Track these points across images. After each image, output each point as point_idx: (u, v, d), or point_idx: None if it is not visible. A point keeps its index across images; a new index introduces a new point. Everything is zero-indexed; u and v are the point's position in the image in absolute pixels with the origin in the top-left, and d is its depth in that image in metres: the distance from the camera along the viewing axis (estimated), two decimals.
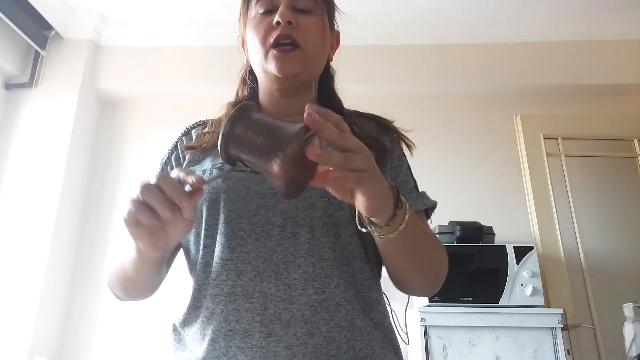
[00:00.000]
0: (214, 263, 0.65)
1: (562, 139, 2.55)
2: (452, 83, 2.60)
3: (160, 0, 2.43)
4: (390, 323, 0.70)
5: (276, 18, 0.73)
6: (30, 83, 2.51)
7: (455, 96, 2.65)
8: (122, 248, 0.63)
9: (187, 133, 0.85)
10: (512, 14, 2.46)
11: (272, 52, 0.74)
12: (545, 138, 2.52)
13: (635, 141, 2.53)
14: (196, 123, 0.87)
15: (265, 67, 0.76)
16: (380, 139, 0.78)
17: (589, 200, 2.44)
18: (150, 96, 2.70)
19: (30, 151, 2.39)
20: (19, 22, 2.36)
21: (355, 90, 2.52)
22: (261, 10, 0.77)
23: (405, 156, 0.82)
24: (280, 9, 0.74)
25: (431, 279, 0.72)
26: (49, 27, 2.52)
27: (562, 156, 2.51)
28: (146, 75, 2.65)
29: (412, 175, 0.81)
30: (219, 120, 0.82)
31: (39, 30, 2.51)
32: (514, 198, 2.44)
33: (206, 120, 0.86)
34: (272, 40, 0.74)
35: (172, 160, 0.82)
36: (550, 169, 2.46)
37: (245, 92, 0.85)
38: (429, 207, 0.78)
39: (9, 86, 2.51)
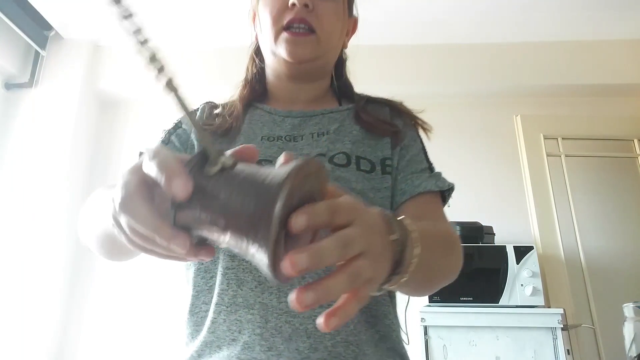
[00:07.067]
0: (218, 271, 0.62)
1: (562, 139, 2.55)
2: (452, 83, 2.60)
3: (161, 0, 2.43)
4: (398, 336, 0.66)
5: None
6: (30, 83, 2.51)
7: (455, 96, 2.65)
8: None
9: (196, 109, 0.80)
10: (512, 14, 2.46)
11: (284, 34, 0.69)
12: (545, 138, 2.52)
13: (635, 141, 2.53)
14: (207, 101, 0.81)
15: (274, 50, 0.72)
16: (394, 123, 0.75)
17: (589, 200, 2.43)
18: (151, 96, 2.70)
19: (30, 151, 2.39)
20: (19, 22, 2.36)
21: (355, 90, 2.52)
22: None
23: (420, 138, 0.78)
24: None
25: (446, 282, 0.66)
26: (49, 27, 2.52)
27: (562, 156, 2.51)
28: (146, 76, 2.64)
29: (426, 157, 0.76)
30: (232, 104, 0.77)
31: (39, 30, 2.51)
32: (514, 198, 2.44)
33: (215, 102, 0.81)
34: (284, 22, 0.69)
35: (185, 126, 0.77)
36: (550, 169, 2.46)
37: (255, 70, 0.81)
38: (445, 190, 0.71)
39: (9, 86, 2.51)
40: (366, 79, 2.86)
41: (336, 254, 0.32)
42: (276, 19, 0.70)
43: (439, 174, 0.73)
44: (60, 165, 2.36)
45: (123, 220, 0.35)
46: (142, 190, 0.35)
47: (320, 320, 0.33)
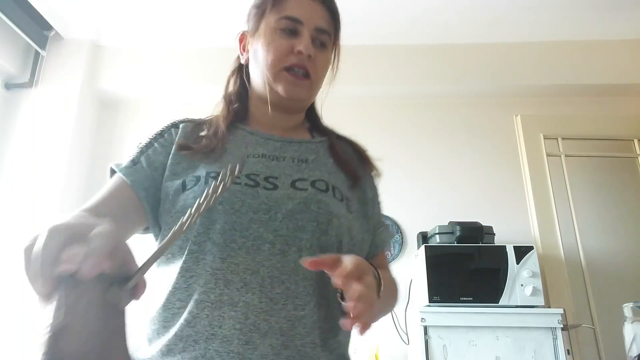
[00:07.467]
0: (203, 271, 0.67)
1: (562, 139, 2.55)
2: (452, 83, 2.60)
3: (161, 0, 2.43)
4: (348, 344, 0.78)
5: (300, 47, 0.78)
6: (30, 83, 2.51)
7: (456, 96, 2.65)
8: None
9: (175, 125, 0.85)
10: (513, 14, 2.46)
11: (285, 74, 0.79)
12: (545, 138, 2.52)
13: (635, 141, 2.53)
14: (186, 119, 0.87)
15: (272, 85, 0.80)
16: (354, 165, 0.85)
17: (589, 200, 2.44)
18: (151, 96, 2.70)
19: (30, 151, 2.39)
20: (19, 22, 2.36)
21: (356, 91, 2.52)
22: (281, 27, 0.80)
23: (377, 188, 0.90)
24: (306, 41, 0.79)
25: (389, 310, 0.87)
26: (49, 27, 2.52)
27: (562, 156, 2.51)
28: (146, 75, 2.65)
29: (380, 207, 0.90)
30: (216, 124, 0.83)
31: (39, 30, 2.51)
32: (514, 198, 2.44)
33: (195, 119, 0.87)
34: (288, 64, 0.79)
35: (157, 145, 0.80)
36: (550, 169, 2.47)
37: (235, 89, 0.89)
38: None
39: (9, 86, 2.51)
40: (367, 79, 2.87)
41: (367, 295, 0.57)
42: (281, 59, 0.79)
43: (388, 226, 0.90)
44: (60, 165, 2.36)
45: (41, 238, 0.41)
46: (68, 236, 0.41)
47: (358, 329, 0.55)
